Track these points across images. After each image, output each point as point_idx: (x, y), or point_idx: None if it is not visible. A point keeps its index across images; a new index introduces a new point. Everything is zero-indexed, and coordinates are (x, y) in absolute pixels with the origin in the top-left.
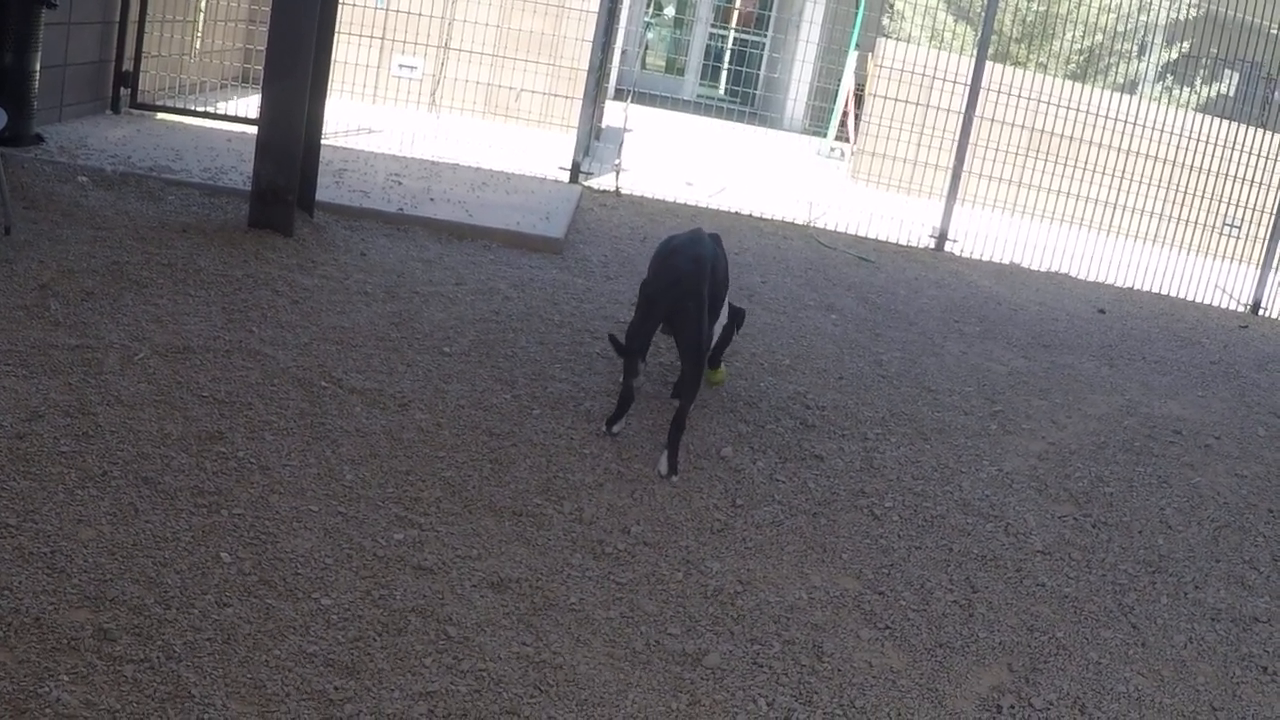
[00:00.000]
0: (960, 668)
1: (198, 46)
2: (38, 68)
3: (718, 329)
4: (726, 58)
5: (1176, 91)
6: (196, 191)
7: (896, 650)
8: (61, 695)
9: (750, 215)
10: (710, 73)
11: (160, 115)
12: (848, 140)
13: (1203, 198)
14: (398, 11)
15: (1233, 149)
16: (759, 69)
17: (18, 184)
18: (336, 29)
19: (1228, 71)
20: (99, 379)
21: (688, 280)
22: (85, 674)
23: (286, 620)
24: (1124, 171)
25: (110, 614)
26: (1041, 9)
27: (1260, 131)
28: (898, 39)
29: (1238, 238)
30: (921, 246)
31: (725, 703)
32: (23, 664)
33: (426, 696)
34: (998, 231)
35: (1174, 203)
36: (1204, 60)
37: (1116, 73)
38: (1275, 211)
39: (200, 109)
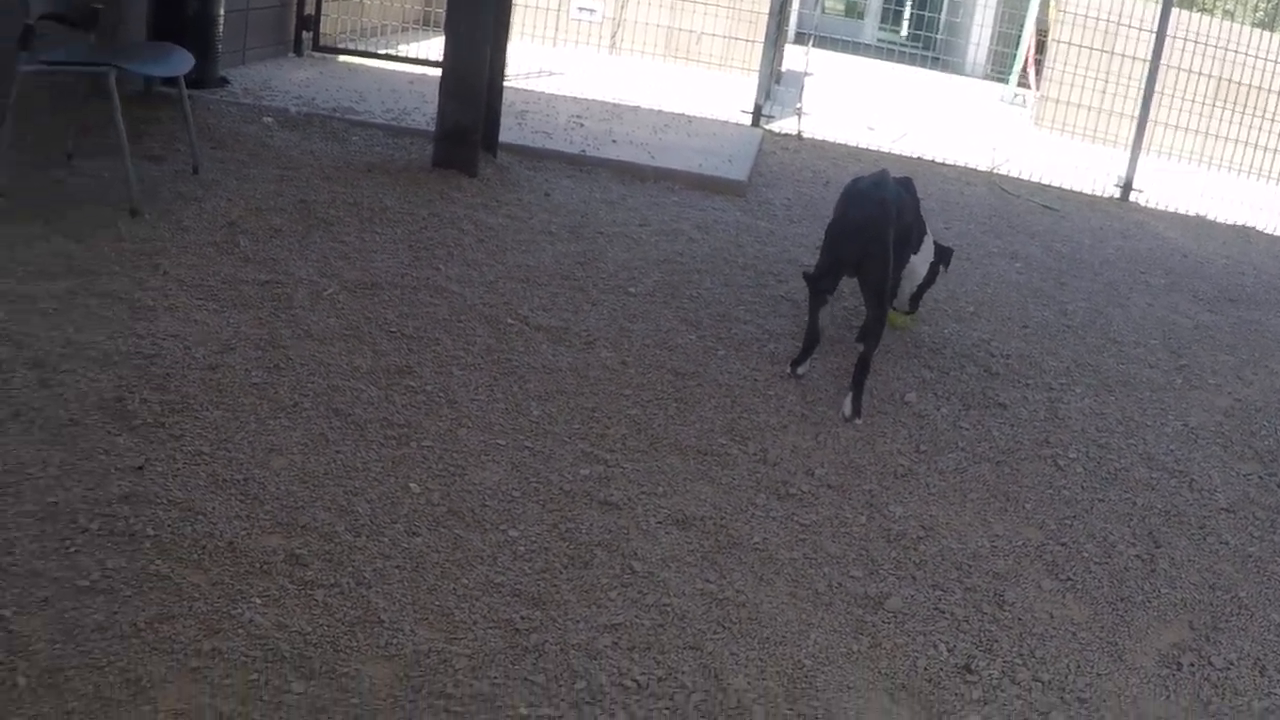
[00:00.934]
0: (1141, 623)
1: None
2: (222, 12)
3: (922, 268)
4: (908, 2)
5: None
6: (380, 132)
7: (1078, 602)
8: (254, 617)
9: (932, 161)
10: (891, 17)
11: (342, 58)
12: (1029, 87)
13: None
14: None
15: None
16: (940, 13)
17: (204, 125)
18: None
19: None
20: (289, 313)
21: (873, 224)
22: (277, 597)
23: (474, 550)
24: None
25: (301, 540)
26: None
27: None
28: None
29: None
30: (1106, 196)
31: (905, 646)
32: (216, 586)
33: (611, 629)
34: (1184, 182)
35: None
36: None
37: None
38: None
39: (382, 51)
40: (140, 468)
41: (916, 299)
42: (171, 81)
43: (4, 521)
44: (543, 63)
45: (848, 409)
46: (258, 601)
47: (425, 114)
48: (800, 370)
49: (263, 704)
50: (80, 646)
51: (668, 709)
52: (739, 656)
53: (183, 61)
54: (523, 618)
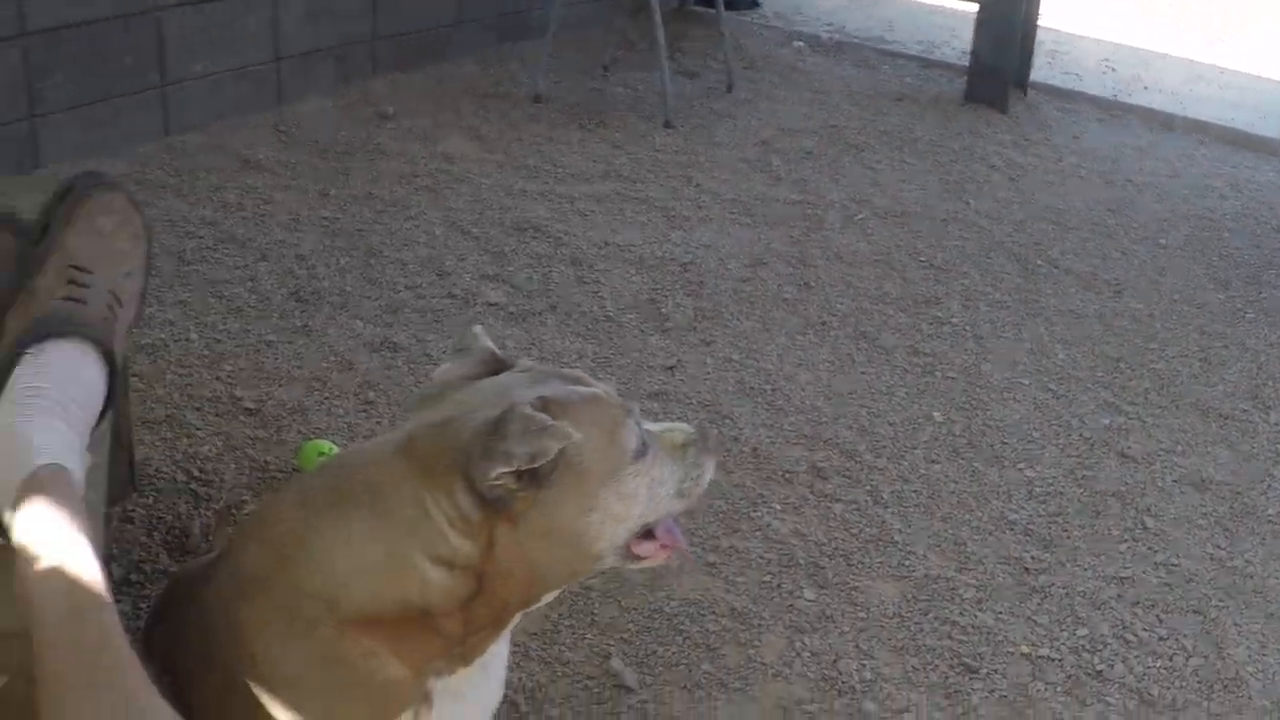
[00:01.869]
0: None
1: None
2: None
3: None
4: None
5: None
6: (910, 63)
7: None
8: (772, 522)
9: None
10: None
11: None
12: None
13: None
14: None
15: None
16: None
17: (738, 46)
18: None
19: None
20: (820, 234)
21: None
22: (796, 506)
23: (990, 485)
24: None
25: (824, 454)
26: None
27: None
28: None
29: None
30: None
31: None
32: (738, 487)
33: (1117, 581)
34: None
35: None
36: None
37: None
38: None
39: None
40: (672, 368)
41: None
42: (707, 1)
43: None
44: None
45: None
46: (777, 507)
47: (955, 48)
48: None
49: (773, 605)
50: None
51: (1165, 669)
52: (1242, 628)
53: None
54: (1032, 558)
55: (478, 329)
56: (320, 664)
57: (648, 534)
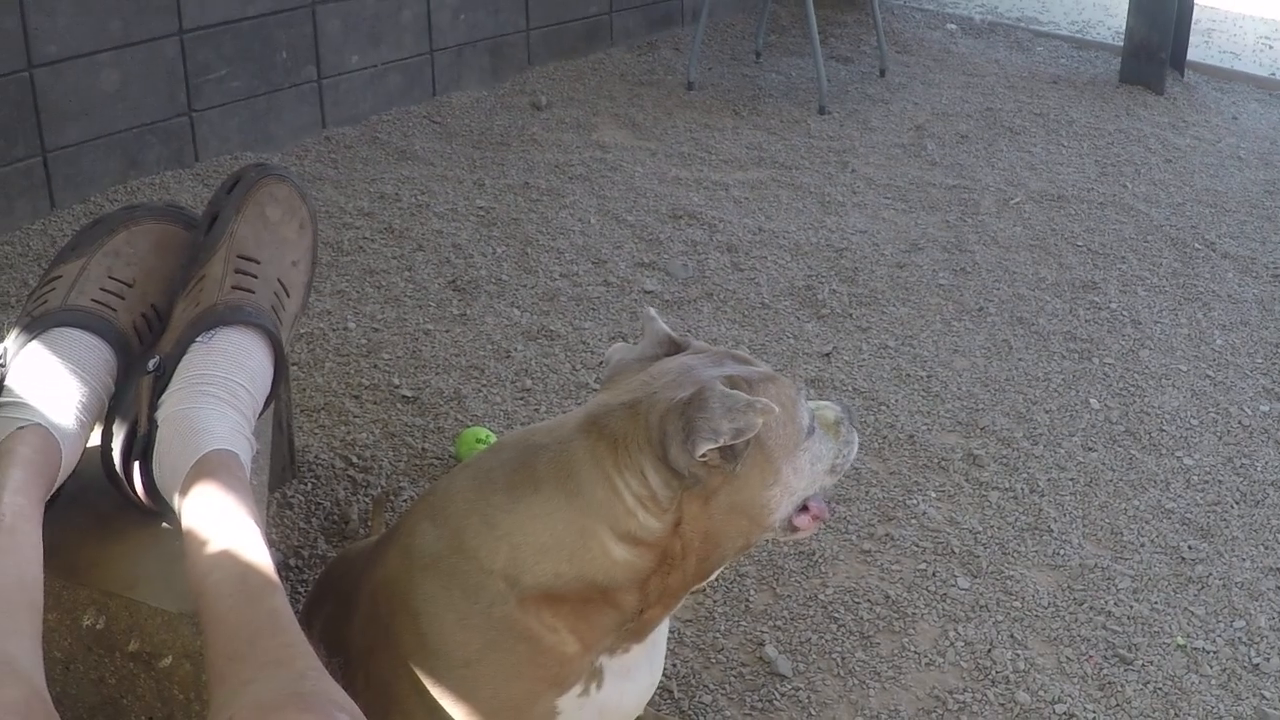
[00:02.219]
0: None
1: None
2: None
3: None
4: None
5: None
6: (1064, 44)
7: None
8: (927, 509)
9: None
10: None
11: None
12: None
13: None
14: None
15: None
16: None
17: (889, 29)
18: None
19: None
20: (975, 219)
21: None
22: (951, 493)
23: (1148, 473)
24: None
25: (980, 441)
26: None
27: None
28: None
29: None
30: None
31: None
32: (894, 475)
33: (1276, 572)
34: None
35: None
36: None
37: None
38: None
39: None
40: (828, 355)
41: None
42: None
43: None
44: None
45: None
46: (932, 495)
47: (1110, 27)
48: None
49: (927, 593)
50: None
51: None
52: None
53: None
54: (1190, 547)
55: (652, 311)
56: (499, 642)
57: (802, 507)
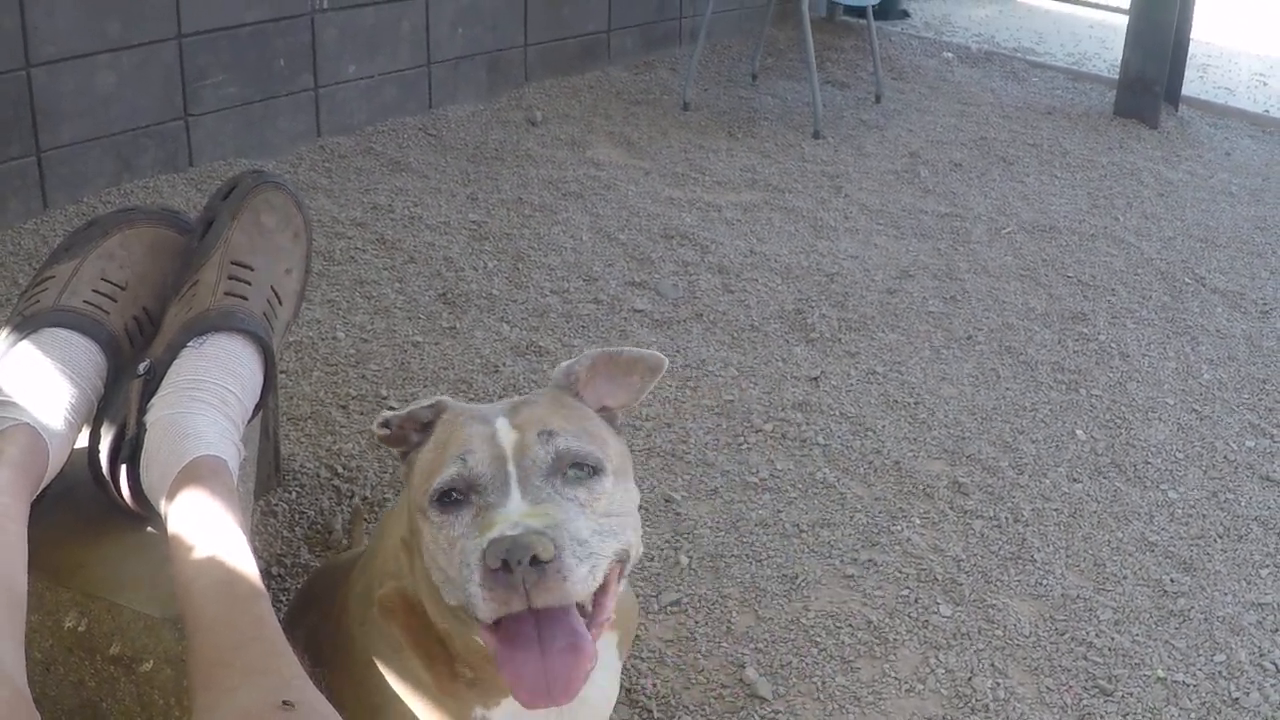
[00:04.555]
0: None
1: None
2: None
3: None
4: None
5: None
6: (1060, 75)
7: None
8: (911, 536)
9: None
10: None
11: None
12: None
13: None
14: None
15: None
16: None
17: (887, 56)
18: None
19: None
20: (966, 247)
21: None
22: (935, 520)
23: (1132, 505)
24: None
25: (965, 469)
26: None
27: None
28: None
29: None
30: None
31: None
32: (879, 500)
33: (1258, 607)
34: None
35: None
36: None
37: None
38: None
39: None
40: (815, 379)
41: None
42: (857, 11)
43: (682, 413)
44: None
45: None
46: (917, 522)
47: (1105, 60)
48: None
49: (909, 620)
50: (742, 538)
51: None
52: None
53: None
54: (1172, 580)
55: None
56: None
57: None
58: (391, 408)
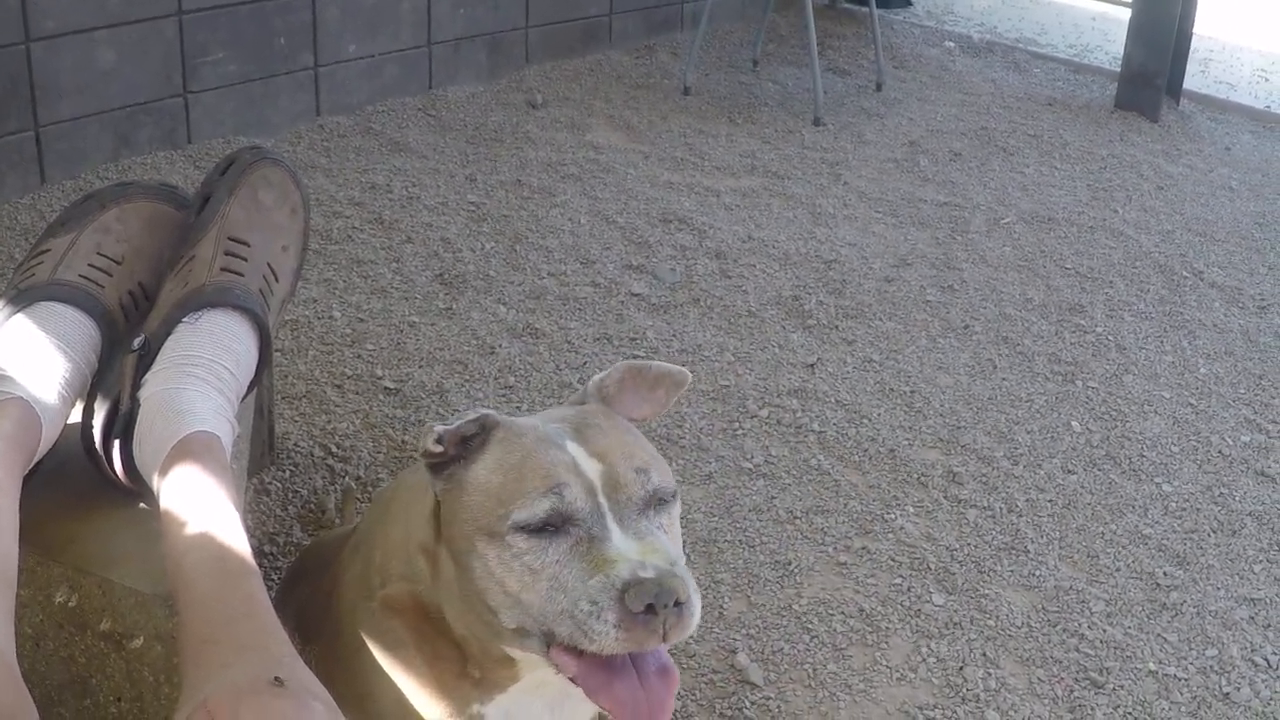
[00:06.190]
0: None
1: None
2: None
3: None
4: None
5: None
6: (1061, 67)
7: None
8: (905, 524)
9: None
10: None
11: None
12: None
13: None
14: None
15: None
16: None
17: (888, 44)
18: None
19: None
20: (965, 237)
21: None
22: (929, 509)
23: (1126, 498)
24: None
25: (960, 459)
26: None
27: None
28: None
29: None
30: None
31: None
32: (873, 489)
33: (1250, 602)
34: None
35: None
36: None
37: None
38: None
39: None
40: (812, 366)
41: None
42: None
43: (681, 398)
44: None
45: None
46: (910, 510)
47: (1108, 53)
48: None
49: (901, 608)
50: (736, 523)
51: None
52: None
53: None
54: (1165, 574)
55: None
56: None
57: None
58: (432, 422)
